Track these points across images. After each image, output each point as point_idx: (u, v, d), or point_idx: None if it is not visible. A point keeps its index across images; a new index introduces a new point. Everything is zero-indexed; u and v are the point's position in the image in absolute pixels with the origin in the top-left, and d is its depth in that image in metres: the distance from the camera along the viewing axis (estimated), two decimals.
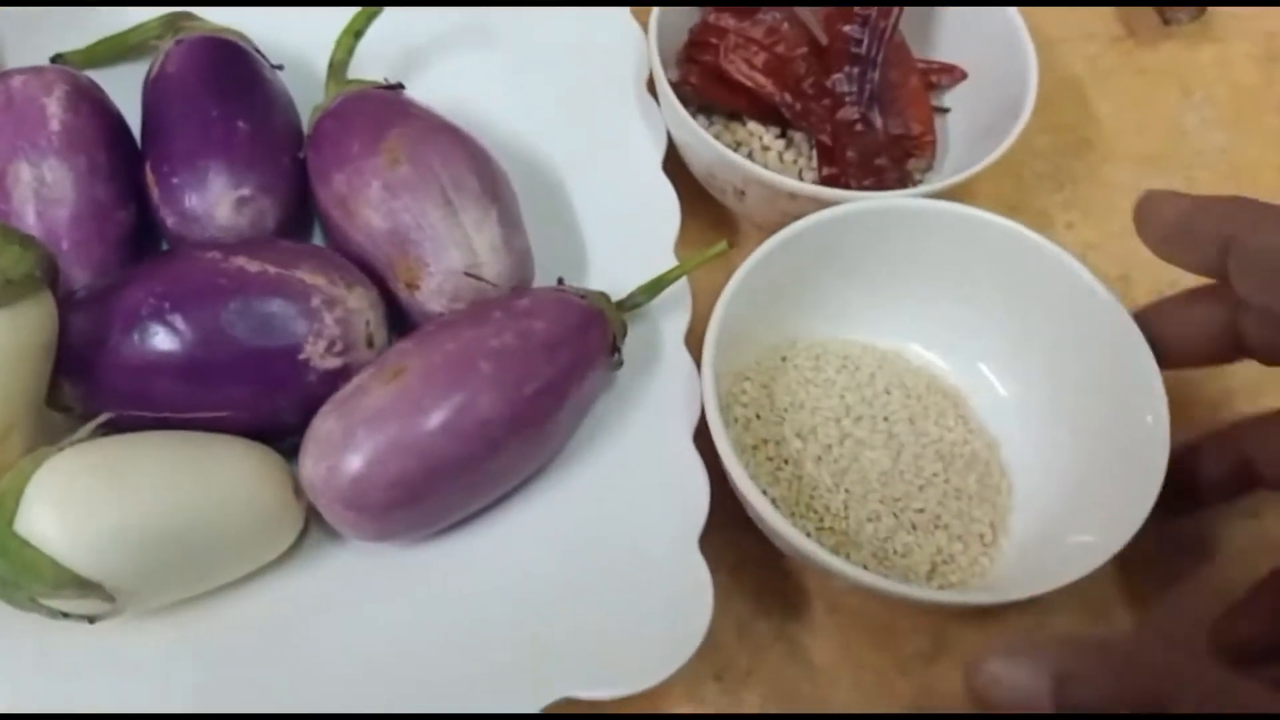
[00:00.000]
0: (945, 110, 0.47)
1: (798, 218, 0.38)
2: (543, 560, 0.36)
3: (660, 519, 0.36)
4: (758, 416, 0.40)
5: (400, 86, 0.42)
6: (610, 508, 0.37)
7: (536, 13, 0.47)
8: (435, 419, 0.34)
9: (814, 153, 0.44)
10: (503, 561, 0.36)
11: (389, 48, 0.46)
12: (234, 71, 0.42)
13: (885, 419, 0.40)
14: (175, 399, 0.36)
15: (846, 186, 0.42)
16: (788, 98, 0.44)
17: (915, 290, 0.41)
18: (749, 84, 0.44)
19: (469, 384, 0.34)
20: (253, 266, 0.36)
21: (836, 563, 0.32)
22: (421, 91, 0.44)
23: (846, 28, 0.43)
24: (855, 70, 0.43)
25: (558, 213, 0.42)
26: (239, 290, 0.36)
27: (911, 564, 0.37)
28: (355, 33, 0.43)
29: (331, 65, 0.43)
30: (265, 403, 0.36)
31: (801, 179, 0.45)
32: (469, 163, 0.39)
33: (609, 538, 0.36)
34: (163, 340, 0.35)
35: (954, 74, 0.47)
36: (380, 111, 0.40)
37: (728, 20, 0.45)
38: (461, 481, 0.35)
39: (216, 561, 0.35)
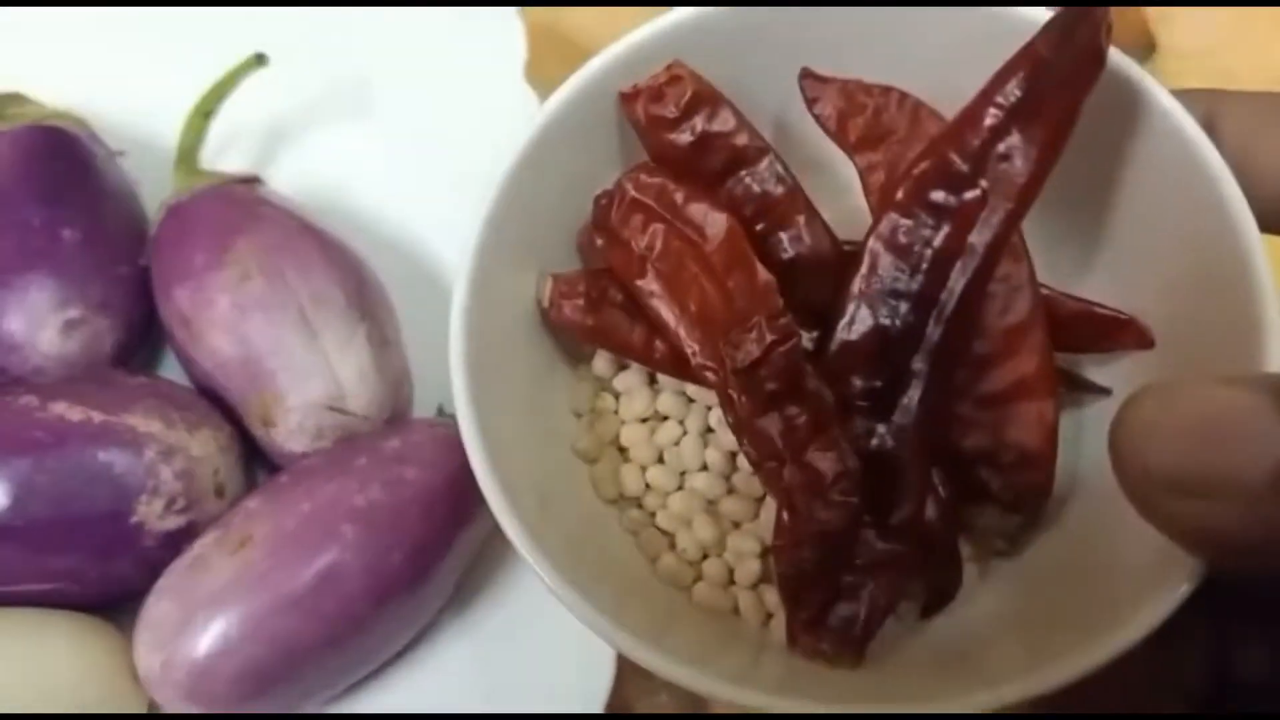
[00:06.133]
0: (1104, 392, 0.26)
1: None
2: None
3: (561, 687, 0.31)
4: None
5: (255, 180, 0.37)
6: (502, 673, 0.32)
7: (422, 78, 0.41)
8: (288, 598, 0.29)
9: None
10: None
11: (257, 122, 0.41)
12: (62, 167, 0.36)
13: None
14: None
15: (818, 648, 0.22)
16: (714, 373, 0.23)
17: None
18: (652, 315, 0.24)
19: (328, 553, 0.29)
20: (74, 414, 0.31)
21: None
22: (291, 177, 0.39)
23: (904, 225, 0.22)
24: (897, 318, 0.22)
25: (445, 322, 0.37)
26: (57, 444, 0.31)
27: None
28: (205, 113, 0.38)
29: (180, 152, 0.37)
30: (97, 572, 0.31)
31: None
32: (332, 273, 0.34)
33: (504, 710, 0.32)
34: None
35: (1134, 335, 0.24)
36: (228, 213, 0.35)
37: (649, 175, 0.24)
38: (324, 665, 0.30)
39: None
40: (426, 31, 0.41)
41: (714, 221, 0.23)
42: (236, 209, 0.35)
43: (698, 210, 0.24)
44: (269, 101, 0.40)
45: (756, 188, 0.24)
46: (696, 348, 0.23)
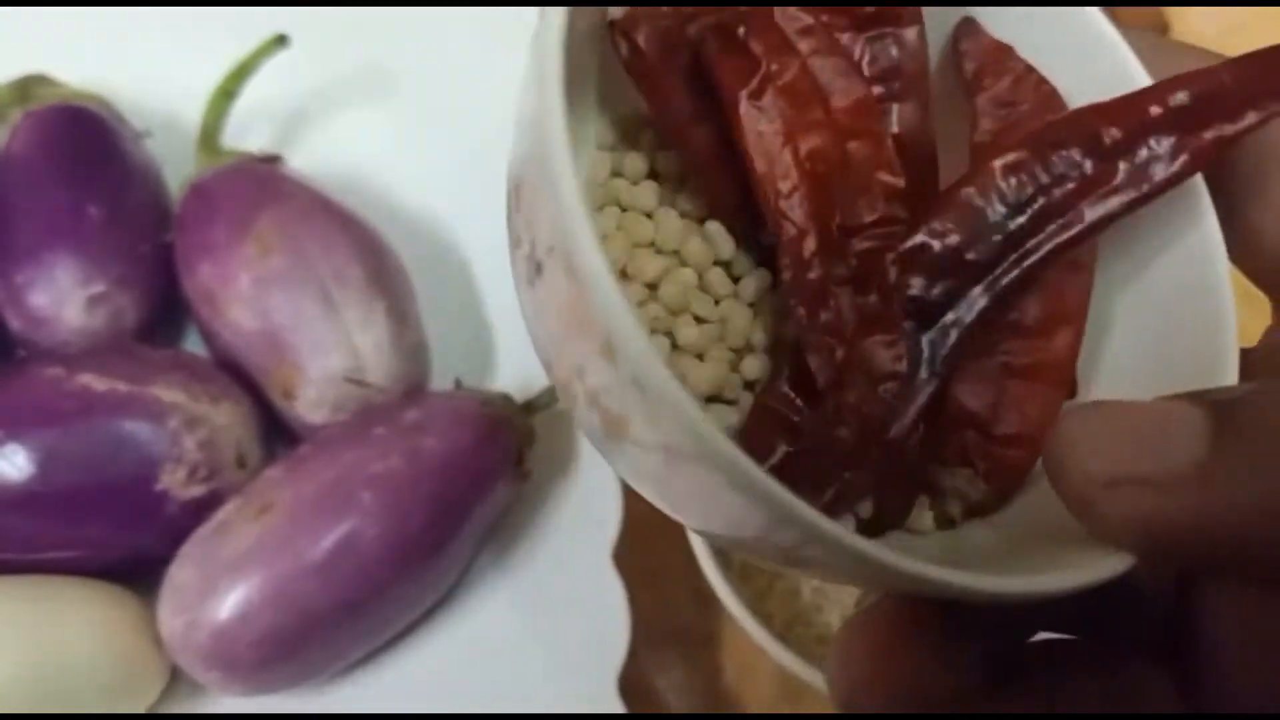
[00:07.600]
0: None
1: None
2: (440, 707, 0.32)
3: (575, 658, 0.32)
4: None
5: (277, 159, 0.37)
6: (518, 646, 0.33)
7: (442, 61, 0.42)
8: (308, 563, 0.29)
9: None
10: (396, 710, 0.32)
11: (278, 104, 0.41)
12: (87, 147, 0.37)
13: None
14: (16, 538, 0.31)
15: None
16: (793, 224, 0.20)
17: None
18: (752, 161, 0.20)
19: (347, 519, 0.30)
20: (100, 385, 0.32)
21: None
22: (311, 157, 0.39)
23: (1032, 164, 0.21)
24: (982, 244, 0.21)
25: (462, 298, 0.38)
26: (84, 414, 0.31)
27: None
28: (227, 94, 0.38)
29: (202, 131, 0.38)
30: (121, 539, 0.32)
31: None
32: (352, 250, 0.34)
33: (518, 680, 0.32)
34: None
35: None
36: (251, 191, 0.35)
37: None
38: (343, 630, 0.30)
39: None
40: (444, 16, 0.42)
41: (849, 88, 0.21)
42: (259, 187, 0.36)
43: (836, 66, 0.21)
44: (289, 83, 0.41)
45: (895, 51, 0.23)
46: (789, 187, 0.20)
